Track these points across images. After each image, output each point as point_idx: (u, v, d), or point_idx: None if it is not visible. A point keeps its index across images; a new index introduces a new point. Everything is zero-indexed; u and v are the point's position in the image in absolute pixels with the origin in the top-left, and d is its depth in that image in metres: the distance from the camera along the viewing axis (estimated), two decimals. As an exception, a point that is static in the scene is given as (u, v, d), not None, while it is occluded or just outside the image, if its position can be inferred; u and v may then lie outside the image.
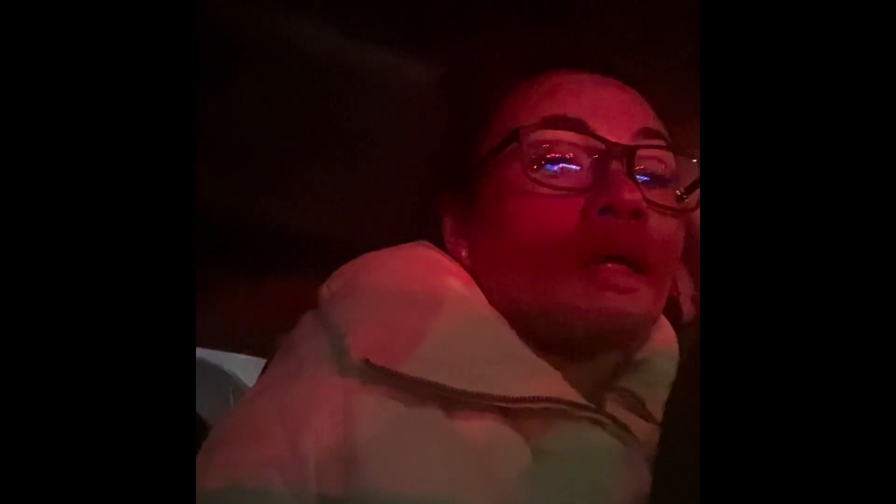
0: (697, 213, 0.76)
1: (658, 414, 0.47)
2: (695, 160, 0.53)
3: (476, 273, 0.51)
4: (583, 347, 0.48)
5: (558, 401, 0.43)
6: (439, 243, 0.56)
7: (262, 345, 0.95)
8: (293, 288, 0.68)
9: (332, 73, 0.67)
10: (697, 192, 0.52)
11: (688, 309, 0.73)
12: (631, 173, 0.47)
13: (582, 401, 0.44)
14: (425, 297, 0.47)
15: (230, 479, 0.39)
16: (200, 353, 1.41)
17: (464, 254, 0.53)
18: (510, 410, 0.43)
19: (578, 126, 0.49)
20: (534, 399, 0.42)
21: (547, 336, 0.47)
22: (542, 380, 0.44)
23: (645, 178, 0.49)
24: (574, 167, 0.49)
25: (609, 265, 0.46)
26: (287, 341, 0.49)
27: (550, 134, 0.49)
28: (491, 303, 0.50)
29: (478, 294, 0.50)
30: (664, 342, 0.54)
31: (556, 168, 0.48)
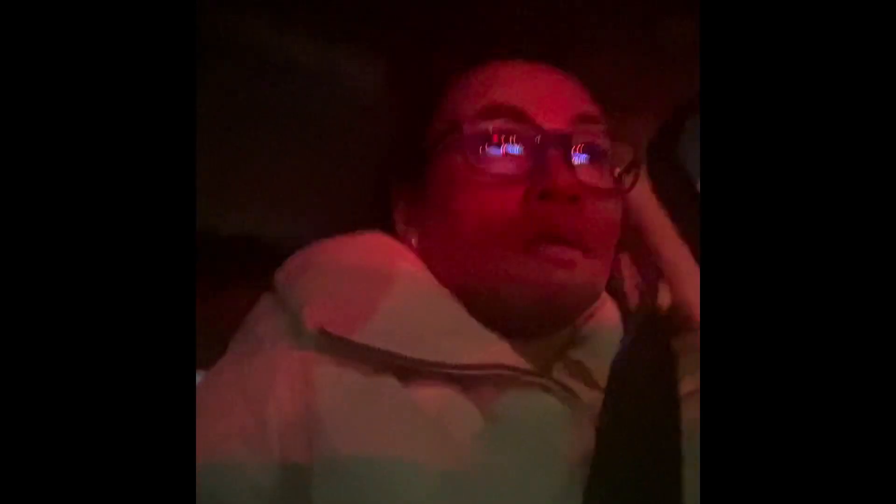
0: (638, 195, 0.80)
1: (602, 382, 0.49)
2: (630, 148, 0.57)
3: (426, 257, 0.54)
4: (529, 324, 0.51)
5: (508, 367, 0.45)
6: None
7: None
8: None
9: (275, 70, 0.68)
10: (635, 172, 0.55)
11: (632, 295, 0.76)
12: (567, 159, 0.51)
13: (530, 368, 0.46)
14: (377, 274, 0.49)
15: (201, 458, 0.40)
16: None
17: (414, 240, 0.56)
18: (462, 379, 0.45)
19: (515, 114, 0.51)
20: (485, 366, 0.44)
21: (495, 314, 0.50)
22: (491, 349, 0.46)
23: (582, 161, 0.53)
24: (513, 154, 0.52)
25: (549, 245, 0.49)
26: (244, 324, 0.50)
27: (489, 123, 0.52)
28: (441, 284, 0.52)
29: (428, 275, 0.52)
30: (609, 319, 0.57)
31: (495, 155, 0.51)
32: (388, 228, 0.58)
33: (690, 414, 0.47)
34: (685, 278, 0.77)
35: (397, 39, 0.64)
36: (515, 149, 0.52)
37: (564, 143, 0.51)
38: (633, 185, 0.56)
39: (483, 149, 0.52)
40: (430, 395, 0.44)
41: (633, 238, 0.80)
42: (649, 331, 0.58)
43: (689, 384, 0.49)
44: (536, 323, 0.52)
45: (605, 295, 0.59)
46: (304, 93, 0.70)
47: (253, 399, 0.44)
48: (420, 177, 0.56)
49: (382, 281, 0.49)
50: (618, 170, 0.56)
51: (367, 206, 0.64)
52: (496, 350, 0.47)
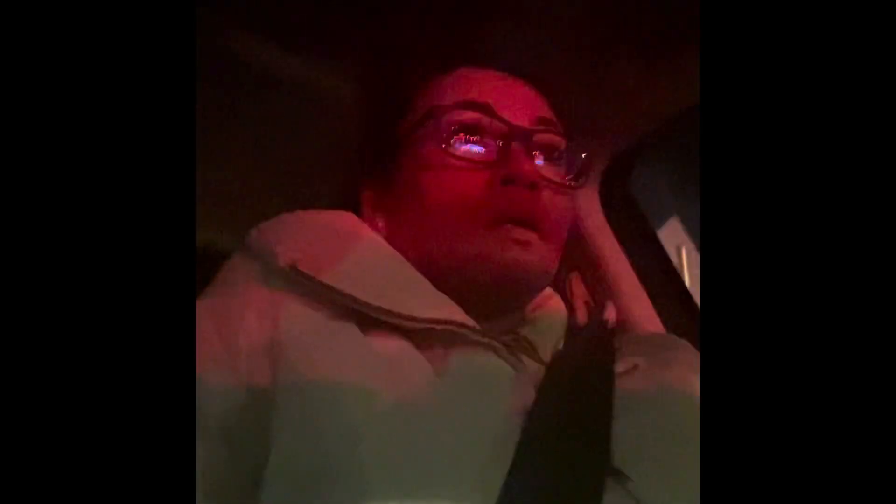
0: (592, 221, 0.85)
1: (546, 358, 0.53)
2: (584, 154, 0.62)
3: (391, 239, 0.57)
4: (487, 300, 0.54)
5: (460, 324, 0.48)
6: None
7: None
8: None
9: (260, 79, 0.72)
10: (585, 174, 0.61)
11: (581, 311, 0.80)
12: (529, 152, 0.56)
13: (480, 328, 0.49)
14: (345, 233, 0.54)
15: None
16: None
17: (381, 224, 0.60)
18: (415, 334, 0.48)
19: (486, 109, 0.57)
20: (439, 321, 0.47)
21: (455, 290, 0.53)
22: (446, 308, 0.50)
23: (540, 159, 0.58)
24: (482, 144, 0.57)
25: (509, 226, 0.53)
26: (216, 275, 0.53)
27: (461, 114, 0.57)
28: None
29: (390, 247, 0.55)
30: (555, 308, 0.61)
31: (465, 145, 0.56)
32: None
33: (626, 385, 0.50)
34: (632, 298, 0.81)
35: (374, 53, 0.69)
36: (483, 139, 0.57)
37: (526, 138, 0.56)
38: (583, 184, 0.61)
39: (455, 138, 0.56)
40: (386, 344, 0.47)
41: (583, 260, 0.85)
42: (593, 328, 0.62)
43: (624, 364, 0.53)
44: (494, 299, 0.55)
45: (551, 291, 0.63)
46: (284, 102, 0.74)
47: (225, 330, 0.46)
48: (391, 164, 0.61)
49: (349, 238, 0.53)
50: (571, 174, 0.61)
51: (339, 201, 0.67)
52: (450, 309, 0.50)
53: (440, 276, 0.53)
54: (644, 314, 0.80)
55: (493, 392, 0.46)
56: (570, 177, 0.60)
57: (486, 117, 0.57)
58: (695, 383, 0.51)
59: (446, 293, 0.52)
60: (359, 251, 0.52)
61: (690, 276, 1.69)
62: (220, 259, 0.66)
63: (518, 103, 0.58)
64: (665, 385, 0.52)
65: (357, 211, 0.61)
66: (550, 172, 0.58)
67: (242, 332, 0.46)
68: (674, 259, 0.88)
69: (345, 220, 0.57)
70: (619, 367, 0.53)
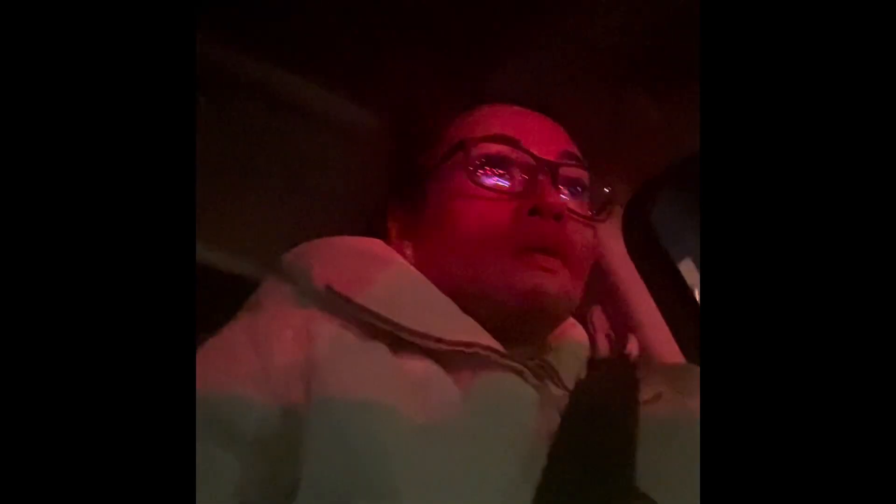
0: (614, 255, 0.86)
1: (569, 385, 0.54)
2: (607, 189, 0.64)
3: (418, 266, 0.59)
4: (513, 327, 0.55)
5: (487, 348, 0.49)
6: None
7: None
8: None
9: (292, 114, 0.75)
10: (609, 209, 0.63)
11: (602, 344, 0.81)
12: (554, 184, 0.58)
13: (507, 352, 0.50)
14: (376, 257, 0.56)
15: (211, 395, 0.44)
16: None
17: (408, 252, 0.61)
18: (444, 356, 0.49)
19: (514, 143, 0.59)
20: (468, 344, 0.49)
21: (482, 316, 0.54)
22: (473, 331, 0.51)
23: (565, 192, 0.60)
24: (509, 176, 0.59)
25: (535, 254, 0.55)
26: (250, 298, 0.55)
27: (490, 147, 0.59)
28: None
29: (418, 272, 0.57)
30: (578, 336, 0.62)
31: (494, 176, 0.59)
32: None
33: (650, 412, 0.51)
34: (653, 331, 0.82)
35: (401, 89, 0.71)
36: (511, 172, 0.59)
37: (552, 171, 0.58)
38: (606, 217, 0.63)
39: (484, 169, 0.58)
40: (415, 366, 0.48)
41: (605, 293, 0.86)
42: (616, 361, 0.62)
43: (649, 392, 0.54)
44: (519, 325, 0.56)
45: (574, 320, 0.64)
46: (302, 130, 0.76)
47: (262, 349, 0.47)
48: (418, 193, 0.63)
49: (379, 263, 0.55)
50: (594, 205, 0.63)
51: (365, 230, 0.69)
52: (478, 333, 0.52)
53: (467, 303, 0.54)
54: (665, 347, 0.81)
55: (519, 415, 0.47)
56: (594, 210, 0.62)
57: (513, 150, 0.59)
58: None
59: (473, 319, 0.53)
60: (389, 275, 0.53)
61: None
62: (240, 283, 0.68)
63: (544, 138, 0.61)
64: (689, 412, 0.52)
65: (384, 239, 0.63)
66: (575, 205, 0.60)
67: (279, 351, 0.47)
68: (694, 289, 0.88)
69: (374, 245, 0.58)
70: (643, 395, 0.54)
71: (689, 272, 0.93)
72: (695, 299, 0.86)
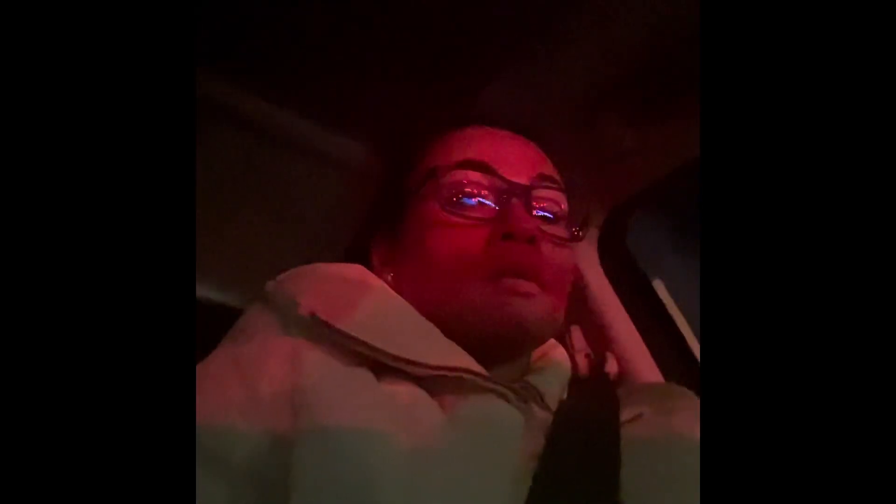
0: (592, 277, 0.87)
1: (552, 405, 0.54)
2: (580, 203, 0.65)
3: (399, 293, 0.59)
4: (491, 350, 0.56)
5: (471, 372, 0.50)
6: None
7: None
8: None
9: (276, 144, 0.75)
10: (585, 229, 0.64)
11: (582, 363, 0.82)
12: (527, 207, 0.59)
13: (489, 375, 0.51)
14: (358, 283, 0.56)
15: (198, 424, 0.43)
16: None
17: (389, 278, 0.62)
18: (427, 380, 0.50)
19: (485, 168, 0.60)
20: (451, 368, 0.49)
21: (461, 340, 0.54)
22: (456, 355, 0.52)
23: (540, 215, 0.60)
24: (482, 202, 0.59)
25: (510, 278, 0.55)
26: (235, 326, 0.54)
27: (462, 174, 0.60)
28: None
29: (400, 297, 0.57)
30: (560, 357, 0.63)
31: (467, 202, 0.59)
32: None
33: (632, 432, 0.52)
34: (631, 350, 0.83)
35: (381, 115, 0.72)
36: (483, 197, 0.59)
37: (525, 194, 0.59)
38: (583, 237, 0.64)
39: (457, 196, 0.59)
40: (400, 390, 0.49)
41: (583, 313, 0.87)
42: (595, 379, 0.64)
43: (629, 413, 0.55)
44: (500, 349, 0.57)
45: (555, 341, 0.65)
46: (293, 162, 0.77)
47: (248, 377, 0.47)
48: (399, 221, 0.63)
49: (360, 288, 0.55)
50: (572, 226, 0.63)
51: (349, 257, 0.70)
52: (461, 357, 0.52)
53: (446, 329, 0.55)
54: (643, 365, 0.82)
55: (504, 438, 0.48)
56: (571, 230, 0.62)
57: (485, 176, 0.59)
58: (699, 429, 0.53)
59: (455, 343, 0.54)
60: (371, 301, 0.53)
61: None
62: (227, 313, 0.68)
63: (518, 161, 0.61)
64: (670, 432, 0.53)
65: (367, 265, 0.63)
66: (550, 227, 0.60)
67: (265, 379, 0.47)
68: (670, 309, 0.90)
69: (354, 271, 0.58)
70: (624, 416, 0.55)
71: (661, 293, 0.94)
72: (672, 318, 0.88)
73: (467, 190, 0.59)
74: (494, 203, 0.59)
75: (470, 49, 0.64)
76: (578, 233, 0.62)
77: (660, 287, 0.94)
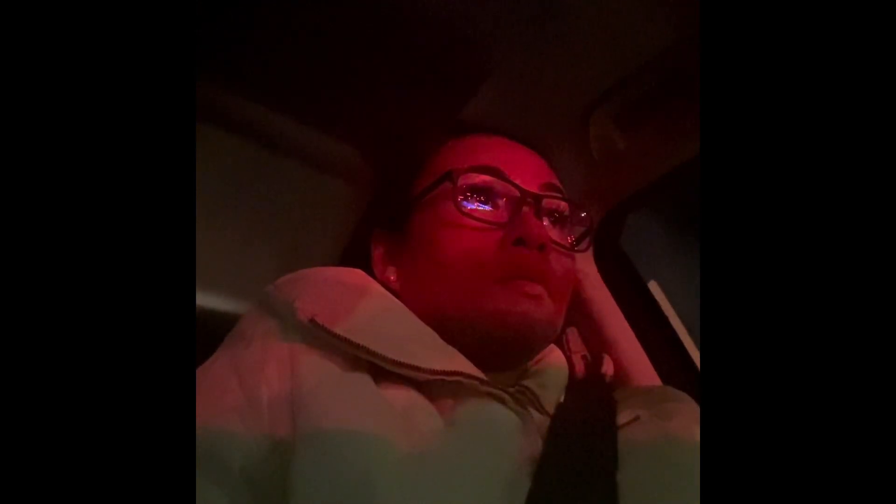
0: (588, 279, 0.88)
1: (549, 409, 0.55)
2: (583, 213, 0.66)
3: (402, 292, 0.60)
4: (495, 354, 0.57)
5: (468, 376, 0.50)
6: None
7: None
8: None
9: (275, 151, 0.75)
10: (588, 238, 0.66)
11: (578, 365, 0.82)
12: (538, 215, 0.60)
13: (488, 379, 0.51)
14: (355, 287, 0.56)
15: (197, 429, 0.43)
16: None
17: (392, 277, 0.63)
18: (424, 385, 0.50)
19: (499, 174, 0.61)
20: (449, 372, 0.49)
21: (465, 343, 0.55)
22: (454, 360, 0.52)
23: (547, 222, 0.62)
24: (494, 206, 0.61)
25: (520, 281, 0.57)
26: (233, 330, 0.54)
27: (476, 178, 0.61)
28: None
29: (399, 301, 0.58)
30: (557, 361, 0.63)
31: (479, 205, 0.61)
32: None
33: (629, 435, 0.53)
34: (627, 351, 0.83)
35: (382, 123, 0.73)
36: (496, 202, 0.61)
37: (536, 202, 0.60)
38: (586, 247, 0.66)
39: (469, 198, 0.61)
40: (398, 394, 0.49)
41: (579, 315, 0.87)
42: (592, 381, 0.64)
43: (626, 416, 0.55)
44: (502, 352, 0.58)
45: (553, 345, 0.65)
46: (289, 167, 0.77)
47: (247, 381, 0.48)
48: (405, 221, 0.64)
49: (358, 292, 0.55)
50: (574, 235, 0.66)
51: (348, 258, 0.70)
52: (458, 361, 0.52)
53: (452, 330, 0.55)
54: (640, 367, 0.82)
55: (501, 441, 0.48)
56: (573, 239, 0.65)
57: (499, 181, 0.61)
58: (696, 432, 0.53)
59: (457, 346, 0.54)
60: (369, 305, 0.54)
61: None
62: (223, 318, 0.68)
63: (528, 169, 0.63)
64: (667, 435, 0.53)
65: (365, 266, 0.63)
66: (556, 235, 0.62)
67: (264, 383, 0.47)
68: (665, 310, 0.90)
69: (353, 275, 0.59)
70: (622, 419, 0.55)
71: (656, 294, 0.95)
72: (667, 320, 0.88)
73: (483, 194, 0.61)
74: (506, 208, 0.61)
75: (465, 55, 0.65)
76: (580, 243, 0.65)
77: (655, 288, 0.94)
